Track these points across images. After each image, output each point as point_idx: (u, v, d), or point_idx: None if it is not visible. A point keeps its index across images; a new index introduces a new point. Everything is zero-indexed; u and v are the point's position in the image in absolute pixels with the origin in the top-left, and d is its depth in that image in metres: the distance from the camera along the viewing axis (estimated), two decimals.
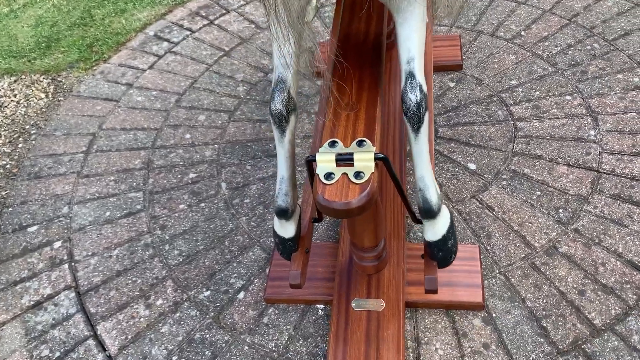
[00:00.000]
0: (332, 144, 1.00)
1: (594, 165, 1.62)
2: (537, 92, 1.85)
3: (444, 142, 1.76)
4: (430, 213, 1.10)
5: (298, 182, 1.71)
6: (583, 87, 1.84)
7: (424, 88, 1.03)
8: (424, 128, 1.05)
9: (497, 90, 1.88)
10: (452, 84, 1.94)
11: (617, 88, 1.81)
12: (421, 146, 1.06)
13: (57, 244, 1.69)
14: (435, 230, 1.13)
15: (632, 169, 1.59)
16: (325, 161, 0.96)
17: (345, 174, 0.95)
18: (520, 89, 1.87)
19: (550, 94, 1.84)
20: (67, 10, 2.65)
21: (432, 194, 1.09)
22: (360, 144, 0.99)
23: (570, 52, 1.96)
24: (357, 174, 0.94)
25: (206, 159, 1.86)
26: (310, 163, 0.99)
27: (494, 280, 1.42)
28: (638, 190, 1.54)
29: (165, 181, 1.81)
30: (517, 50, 2.01)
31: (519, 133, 1.74)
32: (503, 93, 1.87)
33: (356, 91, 1.08)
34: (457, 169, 1.68)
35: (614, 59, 1.90)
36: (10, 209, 1.81)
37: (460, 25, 2.15)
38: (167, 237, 1.65)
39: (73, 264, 1.63)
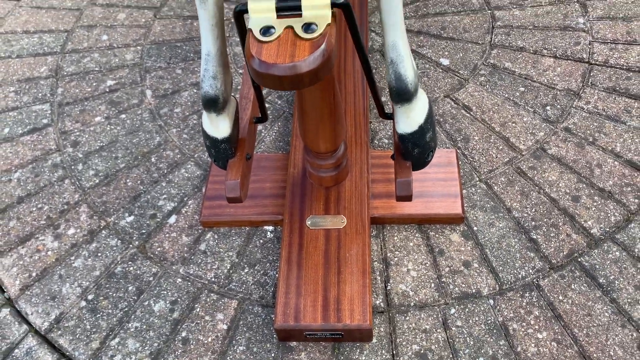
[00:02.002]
0: None
1: (585, 56, 1.39)
2: None
3: (412, 35, 1.50)
4: (405, 94, 0.84)
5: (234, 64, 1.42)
6: None
7: None
8: None
9: None
10: None
11: None
12: (393, 3, 0.79)
13: None
14: (411, 118, 0.88)
15: (627, 58, 1.37)
16: (261, 10, 0.68)
17: (290, 27, 0.67)
18: None
19: None
20: None
21: (408, 67, 0.83)
22: None
23: None
24: (308, 27, 0.67)
25: (127, 63, 1.54)
26: (241, 15, 0.70)
27: (474, 189, 1.20)
28: (635, 82, 1.33)
29: (77, 90, 1.49)
30: None
31: (498, 23, 1.49)
32: None
33: None
34: (427, 65, 1.43)
35: None
36: None
37: None
38: (81, 155, 1.35)
39: None
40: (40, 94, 1.50)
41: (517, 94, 1.34)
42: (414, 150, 0.91)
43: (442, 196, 1.15)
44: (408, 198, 0.92)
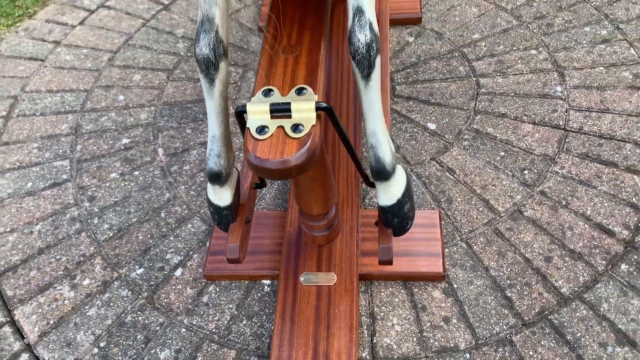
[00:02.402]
0: (267, 93, 0.84)
1: (561, 123, 1.51)
2: (501, 47, 1.72)
3: (402, 100, 1.62)
4: (383, 174, 0.96)
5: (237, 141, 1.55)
6: (549, 40, 1.72)
7: (375, 27, 0.88)
8: (375, 74, 0.90)
9: (459, 45, 1.75)
10: (410, 39, 1.79)
11: (584, 41, 1.70)
12: (372, 96, 0.91)
13: None
14: (390, 193, 1.00)
15: (600, 126, 1.49)
16: (257, 112, 0.81)
17: (281, 127, 0.80)
18: (483, 43, 1.74)
19: (514, 48, 1.71)
20: None
21: (386, 151, 0.95)
22: (299, 92, 0.84)
23: (535, 3, 1.84)
24: (296, 127, 0.79)
25: (141, 122, 1.68)
26: (241, 115, 0.83)
27: (455, 248, 1.31)
28: (607, 149, 1.44)
29: (95, 147, 1.63)
30: (480, 2, 1.87)
31: (482, 90, 1.62)
32: (465, 48, 1.73)
33: (296, 33, 0.92)
34: (416, 130, 1.55)
35: (581, 11, 1.79)
36: None
37: None
38: (96, 210, 1.48)
39: None
40: (60, 151, 1.63)
41: (498, 158, 1.46)
42: (394, 220, 1.03)
43: (425, 255, 1.26)
44: (389, 262, 1.03)
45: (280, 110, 0.81)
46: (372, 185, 1.12)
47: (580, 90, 1.58)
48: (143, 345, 1.22)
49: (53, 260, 1.39)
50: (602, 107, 1.53)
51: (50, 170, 1.59)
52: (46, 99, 1.79)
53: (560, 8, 1.81)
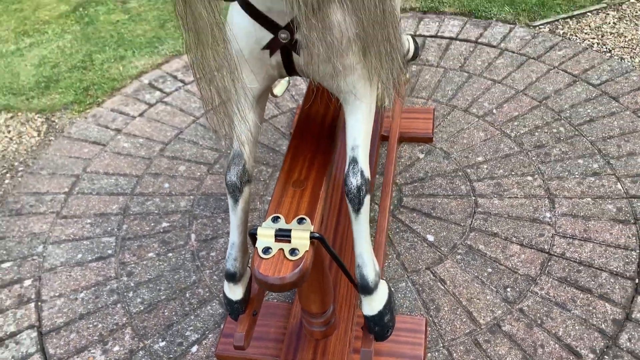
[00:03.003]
0: (275, 219, 1.08)
1: (546, 247, 1.69)
2: (501, 170, 1.93)
3: (407, 211, 1.84)
4: (366, 289, 1.17)
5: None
6: (545, 168, 1.92)
7: (366, 174, 1.12)
8: (364, 209, 1.12)
9: (463, 165, 1.97)
10: (421, 155, 2.03)
11: (577, 173, 1.89)
12: (361, 226, 1.14)
13: (27, 282, 1.75)
14: (372, 305, 1.20)
15: (581, 253, 1.66)
16: (265, 236, 1.04)
17: (281, 249, 1.02)
18: (485, 166, 1.96)
19: (513, 173, 1.92)
20: (70, 53, 2.78)
21: (370, 271, 1.16)
22: (300, 221, 1.07)
23: (537, 133, 2.06)
24: (293, 251, 1.02)
25: (180, 209, 1.94)
26: (253, 235, 1.06)
27: (437, 353, 1.47)
28: (584, 275, 1.60)
29: (138, 228, 1.89)
30: (487, 127, 2.11)
31: (479, 209, 1.82)
32: (468, 168, 1.96)
33: (306, 169, 1.17)
34: (416, 240, 1.75)
35: (577, 144, 1.99)
36: None
37: (437, 98, 2.26)
38: (133, 285, 1.72)
39: (39, 303, 1.69)
40: (109, 228, 1.90)
41: (485, 274, 1.64)
42: (375, 328, 1.22)
43: (408, 358, 1.43)
44: None
45: (282, 236, 1.04)
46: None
47: (567, 218, 1.76)
48: None
49: (91, 326, 1.62)
50: (585, 235, 1.70)
51: (98, 245, 1.85)
52: (103, 180, 2.08)
53: (559, 139, 2.02)
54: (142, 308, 1.65)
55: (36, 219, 1.96)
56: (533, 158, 1.97)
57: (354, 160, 1.11)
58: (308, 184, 1.14)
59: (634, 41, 2.44)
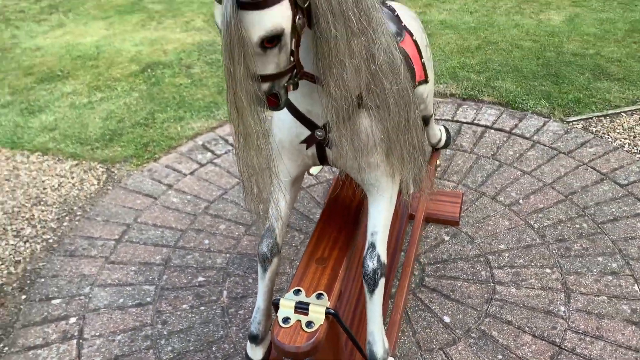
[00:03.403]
0: (297, 292, 1.21)
1: (557, 340, 1.75)
2: (521, 260, 2.02)
3: (427, 291, 1.94)
4: None
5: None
6: (564, 262, 2.00)
7: (382, 258, 1.25)
8: (378, 291, 1.25)
9: (486, 252, 2.07)
10: (446, 238, 2.14)
11: (595, 270, 1.96)
12: (374, 305, 1.26)
13: (72, 320, 1.93)
14: None
15: (591, 350, 1.71)
16: (286, 306, 1.18)
17: (299, 321, 1.16)
18: (507, 254, 2.05)
19: (532, 263, 2.01)
20: (135, 110, 3.07)
21: (379, 348, 1.27)
22: (319, 296, 1.20)
23: (560, 227, 2.14)
24: (309, 323, 1.15)
25: (216, 265, 2.10)
26: (276, 304, 1.20)
27: None
28: None
29: (177, 280, 2.05)
30: (512, 217, 2.21)
31: (496, 296, 1.90)
32: (490, 255, 2.05)
33: (329, 249, 1.31)
34: (433, 320, 1.84)
35: (598, 241, 2.07)
36: (42, 280, 2.08)
37: (467, 183, 2.39)
38: (165, 333, 1.86)
39: (81, 341, 1.86)
40: (150, 277, 2.07)
41: None
42: None
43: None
44: None
45: (301, 308, 1.17)
46: None
47: (581, 314, 1.82)
48: None
49: None
50: (597, 333, 1.76)
51: (139, 292, 2.02)
52: (150, 231, 2.28)
53: (581, 235, 2.10)
54: (171, 356, 1.79)
55: (87, 261, 2.15)
56: (554, 251, 2.05)
57: (372, 245, 1.25)
58: (330, 262, 1.28)
59: None
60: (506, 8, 3.91)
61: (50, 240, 2.27)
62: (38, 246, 2.25)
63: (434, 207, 2.21)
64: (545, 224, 2.16)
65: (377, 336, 1.27)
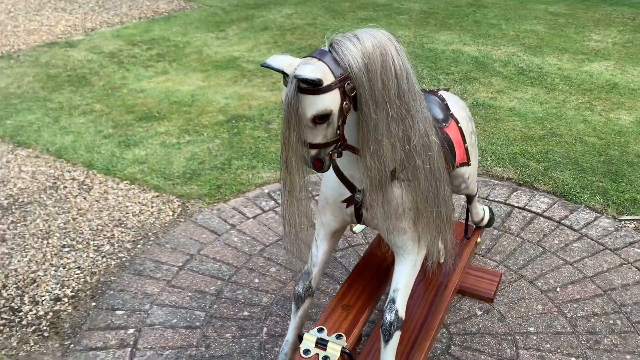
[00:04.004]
0: (320, 330, 1.40)
1: None
2: (548, 345, 2.09)
3: (451, 359, 2.04)
4: None
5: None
6: (591, 354, 2.05)
7: (400, 313, 1.42)
8: (392, 342, 1.41)
9: (514, 331, 2.15)
10: (479, 312, 2.24)
11: None
12: (388, 354, 1.42)
13: (130, 331, 2.18)
14: None
15: None
16: (308, 340, 1.36)
17: (317, 354, 1.34)
18: (535, 337, 2.12)
19: (559, 350, 2.07)
20: (215, 155, 3.41)
21: None
22: (339, 337, 1.38)
23: (593, 319, 2.20)
24: (325, 358, 1.32)
25: (262, 303, 2.31)
26: (300, 337, 1.39)
27: None
28: None
29: (224, 310, 2.28)
30: (547, 302, 2.28)
31: None
32: (518, 335, 2.13)
33: (356, 297, 1.49)
34: None
35: (630, 340, 2.10)
36: (111, 292, 2.37)
37: (508, 264, 2.49)
38: (207, 356, 2.07)
39: (134, 350, 2.10)
40: (203, 304, 2.31)
41: None
42: None
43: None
44: None
45: (321, 344, 1.35)
46: None
47: None
48: None
49: None
50: None
51: (190, 315, 2.25)
52: (210, 263, 2.53)
53: (613, 331, 2.14)
54: None
55: (151, 282, 2.43)
56: (582, 342, 2.10)
57: (392, 301, 1.42)
58: (353, 310, 1.46)
59: None
60: (577, 103, 4.02)
61: (124, 259, 2.58)
62: (113, 262, 2.56)
63: (471, 281, 2.33)
64: (579, 315, 2.22)
65: None
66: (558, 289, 2.35)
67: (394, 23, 5.79)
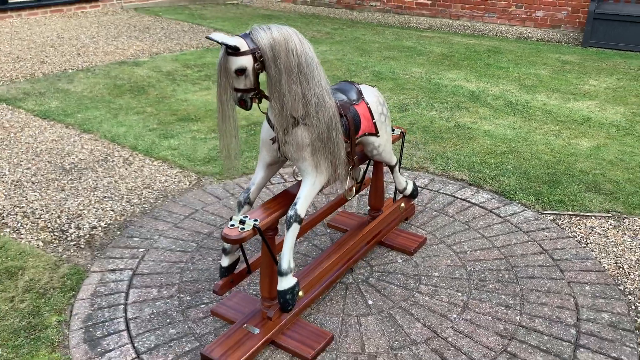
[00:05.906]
0: (245, 217, 2.16)
1: (439, 332, 2.43)
2: (444, 284, 2.73)
3: (367, 285, 2.72)
4: (279, 272, 2.16)
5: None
6: (475, 293, 2.67)
7: (299, 212, 2.16)
8: (292, 229, 2.15)
9: (422, 274, 2.81)
10: (399, 260, 2.92)
11: (494, 301, 2.61)
12: (288, 238, 2.15)
13: (141, 250, 3.00)
14: (281, 284, 2.16)
15: (457, 341, 2.37)
16: (236, 220, 2.12)
17: (238, 226, 2.10)
18: (436, 279, 2.77)
19: (451, 288, 2.70)
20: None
21: (284, 262, 2.15)
22: (255, 220, 2.14)
23: (486, 273, 2.82)
24: (242, 229, 2.08)
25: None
26: (231, 218, 2.15)
27: None
28: None
29: (211, 244, 3.06)
30: (455, 259, 2.92)
31: (412, 299, 2.63)
32: (424, 276, 2.79)
33: (275, 206, 2.25)
34: (360, 300, 2.62)
35: (510, 287, 2.71)
36: (133, 227, 3.21)
37: (435, 234, 3.14)
38: (192, 268, 2.85)
39: (141, 260, 2.91)
40: (196, 239, 3.10)
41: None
42: (280, 300, 2.17)
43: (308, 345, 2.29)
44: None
45: (242, 222, 2.11)
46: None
47: (465, 323, 2.48)
48: None
49: None
50: (470, 335, 2.41)
51: (186, 245, 3.05)
52: (208, 216, 3.33)
53: (499, 280, 2.76)
54: (194, 276, 2.76)
55: (162, 223, 3.25)
56: (472, 285, 2.73)
57: (294, 204, 2.17)
58: (270, 210, 2.22)
59: (610, 246, 3.08)
60: (547, 130, 4.64)
61: (147, 209, 3.43)
62: (138, 210, 3.41)
63: (399, 240, 3.01)
64: (477, 269, 2.85)
65: (285, 256, 2.15)
66: (468, 252, 2.99)
67: (411, 62, 6.59)
